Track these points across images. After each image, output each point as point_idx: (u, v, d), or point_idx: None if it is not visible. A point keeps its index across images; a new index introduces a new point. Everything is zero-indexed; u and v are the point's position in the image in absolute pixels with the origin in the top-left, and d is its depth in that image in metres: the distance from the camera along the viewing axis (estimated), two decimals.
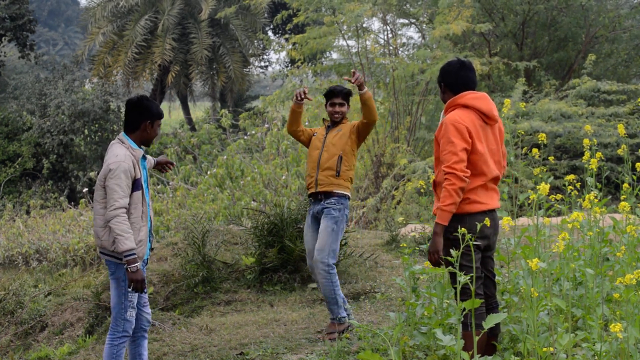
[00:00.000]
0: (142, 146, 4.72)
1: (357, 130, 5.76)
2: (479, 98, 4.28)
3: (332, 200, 5.66)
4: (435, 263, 4.20)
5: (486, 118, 4.29)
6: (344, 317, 5.69)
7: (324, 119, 5.97)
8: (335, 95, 5.78)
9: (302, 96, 5.76)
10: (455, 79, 4.30)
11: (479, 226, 4.06)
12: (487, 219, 4.11)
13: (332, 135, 5.77)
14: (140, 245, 4.59)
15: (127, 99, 4.85)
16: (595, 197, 4.58)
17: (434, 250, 4.17)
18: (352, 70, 5.63)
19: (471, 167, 4.17)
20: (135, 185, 4.56)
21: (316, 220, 5.78)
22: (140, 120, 4.64)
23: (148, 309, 4.88)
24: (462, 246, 3.94)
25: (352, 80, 5.56)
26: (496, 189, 4.33)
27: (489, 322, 3.89)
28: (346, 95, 5.80)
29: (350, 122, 5.85)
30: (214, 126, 18.69)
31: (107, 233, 4.55)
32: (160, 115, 4.72)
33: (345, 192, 5.71)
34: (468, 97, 4.25)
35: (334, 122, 5.82)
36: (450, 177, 4.10)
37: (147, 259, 4.83)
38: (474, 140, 4.19)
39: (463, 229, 3.95)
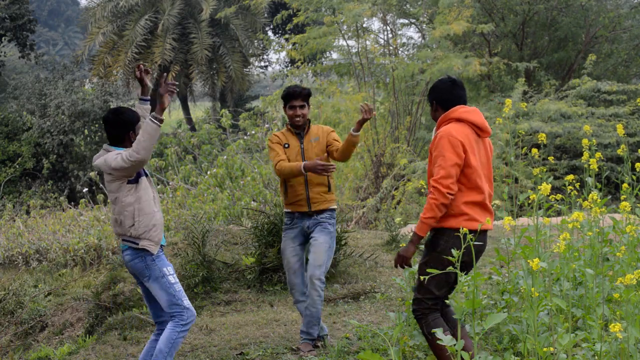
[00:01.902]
0: None
1: (326, 149, 5.36)
2: (471, 112, 4.28)
3: (326, 215, 5.35)
4: (400, 266, 4.31)
5: (479, 131, 4.27)
6: (319, 335, 5.46)
7: (287, 124, 5.49)
8: (295, 98, 5.32)
9: None
10: (448, 97, 4.31)
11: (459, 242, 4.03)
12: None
13: (311, 146, 5.34)
14: (155, 229, 4.66)
15: (103, 116, 4.91)
16: (597, 197, 4.58)
17: (404, 255, 4.25)
18: (367, 105, 5.10)
19: (466, 180, 4.18)
20: (139, 171, 4.64)
21: (303, 235, 5.41)
22: (124, 133, 4.72)
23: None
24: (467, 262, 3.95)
25: (365, 115, 5.08)
26: (492, 210, 4.31)
27: (489, 321, 3.90)
28: (306, 96, 5.36)
29: (322, 128, 5.41)
30: (214, 126, 18.68)
31: (134, 215, 4.61)
32: (138, 119, 4.79)
33: (335, 206, 5.44)
34: (460, 110, 4.26)
35: (296, 126, 5.36)
36: (435, 191, 4.11)
37: (163, 246, 4.90)
38: (467, 154, 4.17)
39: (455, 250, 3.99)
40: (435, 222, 4.14)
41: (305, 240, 5.42)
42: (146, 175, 4.73)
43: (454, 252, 3.98)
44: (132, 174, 4.58)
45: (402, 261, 4.27)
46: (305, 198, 5.31)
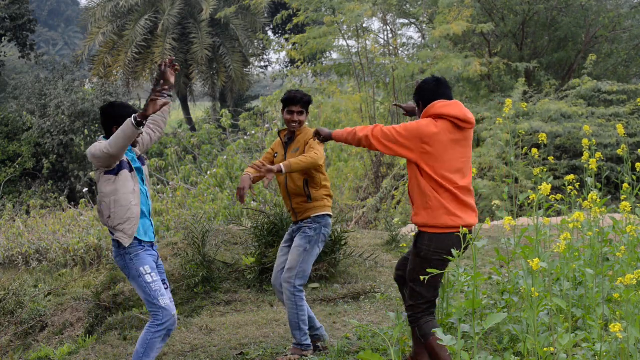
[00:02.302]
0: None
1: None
2: (449, 105, 4.23)
3: (309, 220, 5.31)
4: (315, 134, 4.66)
5: (461, 122, 4.21)
6: (309, 346, 5.29)
7: (279, 131, 5.49)
8: (295, 103, 5.31)
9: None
10: (433, 96, 4.30)
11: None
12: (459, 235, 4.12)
13: (292, 157, 5.27)
14: (130, 222, 4.70)
15: (100, 107, 4.96)
16: (597, 197, 4.58)
17: (321, 132, 4.60)
18: (262, 166, 5.05)
19: (439, 176, 4.18)
20: (121, 164, 4.68)
21: (292, 239, 5.45)
22: (111, 125, 4.78)
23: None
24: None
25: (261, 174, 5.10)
26: (472, 205, 4.29)
27: (489, 321, 3.90)
28: (306, 103, 5.35)
29: (305, 136, 5.30)
30: (214, 126, 18.68)
31: (110, 206, 4.67)
32: (128, 115, 4.77)
33: (323, 212, 5.33)
34: (437, 105, 4.23)
35: (290, 131, 5.36)
36: (379, 132, 4.25)
37: (154, 244, 4.92)
38: (439, 148, 4.17)
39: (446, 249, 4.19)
40: (346, 141, 4.40)
41: (291, 243, 5.44)
42: (131, 169, 4.76)
43: (454, 252, 4.01)
44: (109, 165, 4.61)
45: (317, 134, 4.64)
46: (291, 208, 5.40)
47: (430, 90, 4.32)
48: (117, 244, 4.77)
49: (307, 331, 5.30)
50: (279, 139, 5.51)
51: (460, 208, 4.21)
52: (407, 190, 12.17)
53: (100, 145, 4.57)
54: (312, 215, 5.31)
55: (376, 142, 4.26)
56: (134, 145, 4.87)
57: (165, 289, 4.87)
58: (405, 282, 4.52)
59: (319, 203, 5.32)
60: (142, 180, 4.88)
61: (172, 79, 4.78)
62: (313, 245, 5.28)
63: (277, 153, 5.45)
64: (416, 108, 4.47)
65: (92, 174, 15.72)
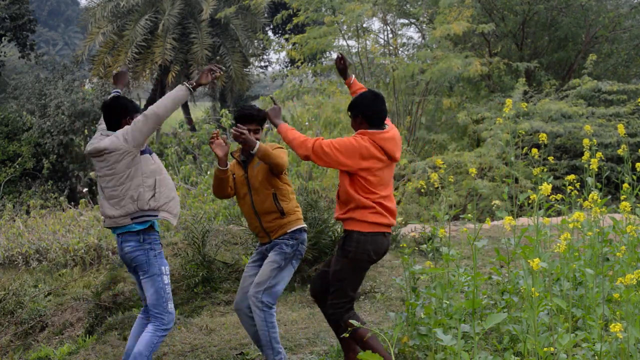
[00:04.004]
0: None
1: (270, 170, 4.90)
2: (388, 140, 4.46)
3: (286, 236, 4.92)
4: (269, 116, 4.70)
5: (390, 161, 4.51)
6: None
7: (232, 153, 5.05)
8: (250, 121, 4.91)
9: (221, 140, 4.87)
10: (372, 111, 4.51)
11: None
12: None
13: (254, 172, 4.91)
14: (175, 201, 4.76)
15: (104, 102, 5.01)
16: (597, 197, 4.58)
17: (270, 113, 4.68)
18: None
19: (369, 184, 4.44)
20: (143, 151, 4.72)
21: (262, 258, 5.02)
22: (120, 118, 4.79)
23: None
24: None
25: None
26: (394, 210, 4.57)
27: (489, 321, 3.90)
28: (262, 120, 4.98)
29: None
30: (214, 126, 18.66)
31: (155, 186, 4.67)
32: (136, 110, 4.87)
33: (299, 226, 4.97)
34: (379, 137, 4.44)
35: (245, 151, 4.94)
36: (314, 148, 4.39)
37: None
38: (373, 165, 4.42)
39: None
40: (288, 141, 4.49)
41: (262, 263, 5.03)
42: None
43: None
44: (149, 133, 4.65)
45: (274, 114, 4.71)
46: (261, 229, 4.95)
47: (369, 105, 4.51)
48: (142, 236, 4.66)
49: (281, 349, 4.94)
50: (234, 160, 5.08)
51: (385, 209, 4.49)
52: (406, 190, 12.19)
53: (138, 118, 4.61)
54: (289, 231, 4.92)
55: (314, 156, 4.41)
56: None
57: None
58: (321, 298, 4.70)
59: (292, 217, 4.95)
60: None
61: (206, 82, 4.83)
62: (287, 263, 4.92)
63: (234, 174, 5.01)
64: (351, 120, 4.62)
65: (92, 174, 15.71)
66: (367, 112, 4.50)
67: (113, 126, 4.78)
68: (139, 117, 4.63)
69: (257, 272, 4.97)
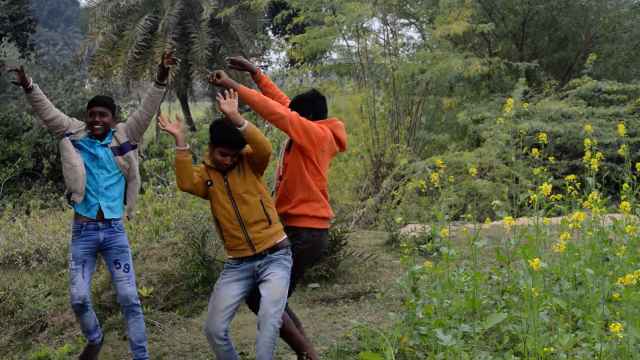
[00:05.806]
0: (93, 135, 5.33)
1: (252, 166, 4.59)
2: (340, 127, 4.82)
3: (282, 251, 4.54)
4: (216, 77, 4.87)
5: (339, 146, 4.80)
6: None
7: (204, 161, 4.70)
8: (231, 147, 4.55)
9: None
10: (320, 107, 4.85)
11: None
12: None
13: (237, 181, 4.55)
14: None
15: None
16: (597, 197, 4.58)
17: (226, 84, 4.86)
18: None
19: (321, 173, 4.68)
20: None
21: (252, 276, 4.57)
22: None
23: (123, 285, 5.28)
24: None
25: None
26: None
27: (489, 321, 3.90)
28: (243, 143, 4.61)
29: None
30: None
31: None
32: (88, 104, 5.38)
33: (284, 237, 4.60)
34: (335, 124, 4.80)
35: (221, 165, 4.57)
36: (291, 117, 4.53)
37: (119, 221, 5.34)
38: (328, 151, 4.70)
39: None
40: (256, 107, 4.66)
41: (253, 280, 4.58)
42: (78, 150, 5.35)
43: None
44: (142, 132, 5.33)
45: (217, 75, 4.94)
46: (246, 241, 4.51)
47: (316, 102, 4.83)
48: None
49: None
50: (203, 165, 4.70)
51: (325, 202, 4.71)
52: (406, 190, 12.19)
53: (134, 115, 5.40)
54: (278, 242, 4.53)
55: (290, 125, 4.54)
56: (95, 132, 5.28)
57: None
58: (256, 306, 4.60)
59: (277, 226, 4.58)
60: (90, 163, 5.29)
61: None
62: (289, 274, 4.58)
63: (210, 181, 4.61)
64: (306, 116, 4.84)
65: None
66: (316, 108, 4.83)
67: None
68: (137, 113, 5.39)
69: (243, 292, 4.57)
